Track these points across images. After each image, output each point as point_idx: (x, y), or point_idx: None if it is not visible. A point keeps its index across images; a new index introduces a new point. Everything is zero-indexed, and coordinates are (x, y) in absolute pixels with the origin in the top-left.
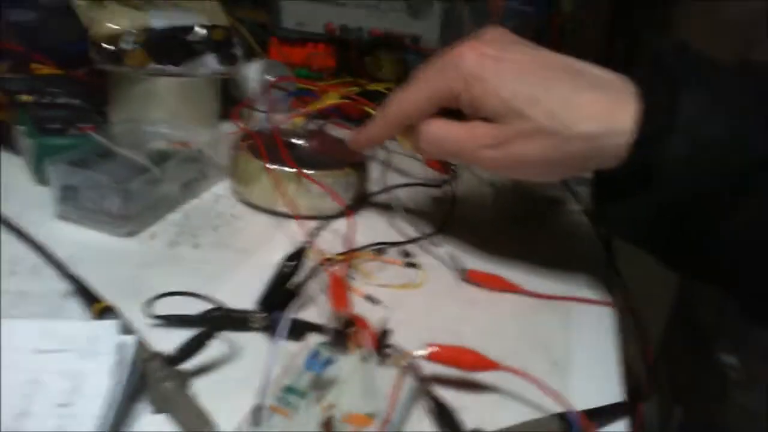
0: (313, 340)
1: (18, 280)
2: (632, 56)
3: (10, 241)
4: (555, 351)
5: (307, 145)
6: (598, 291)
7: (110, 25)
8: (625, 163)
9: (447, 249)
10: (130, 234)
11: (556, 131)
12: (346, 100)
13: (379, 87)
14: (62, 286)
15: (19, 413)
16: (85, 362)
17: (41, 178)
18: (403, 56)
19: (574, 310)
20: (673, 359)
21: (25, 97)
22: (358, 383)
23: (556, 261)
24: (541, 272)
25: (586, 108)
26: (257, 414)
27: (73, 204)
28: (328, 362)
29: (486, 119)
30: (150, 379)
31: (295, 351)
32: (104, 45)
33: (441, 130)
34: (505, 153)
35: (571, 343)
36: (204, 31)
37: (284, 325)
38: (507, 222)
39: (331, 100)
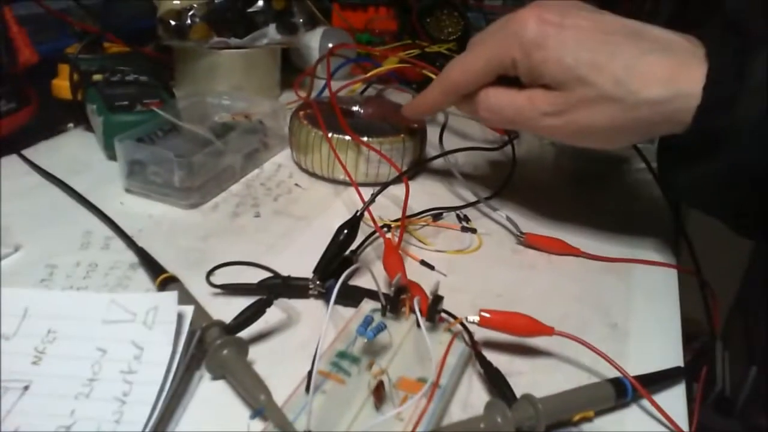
0: (368, 306)
1: (90, 253)
2: (707, 17)
3: (84, 215)
4: (616, 314)
5: (364, 111)
6: (664, 253)
7: (176, 1)
8: (691, 129)
9: (505, 212)
10: (194, 206)
11: (621, 98)
12: (405, 65)
13: (440, 48)
14: (130, 257)
15: (89, 379)
16: (148, 331)
17: (111, 154)
18: (466, 15)
19: (638, 274)
20: (749, 319)
21: (96, 76)
22: (410, 349)
23: (620, 222)
24: (604, 234)
25: (652, 72)
26: (310, 380)
27: (140, 178)
28: (381, 328)
29: (545, 86)
30: (209, 346)
31: (350, 317)
32: (170, 21)
33: (500, 97)
34: (567, 120)
35: (633, 307)
36: (263, 2)
37: (336, 291)
38: (568, 183)
39: (390, 64)
